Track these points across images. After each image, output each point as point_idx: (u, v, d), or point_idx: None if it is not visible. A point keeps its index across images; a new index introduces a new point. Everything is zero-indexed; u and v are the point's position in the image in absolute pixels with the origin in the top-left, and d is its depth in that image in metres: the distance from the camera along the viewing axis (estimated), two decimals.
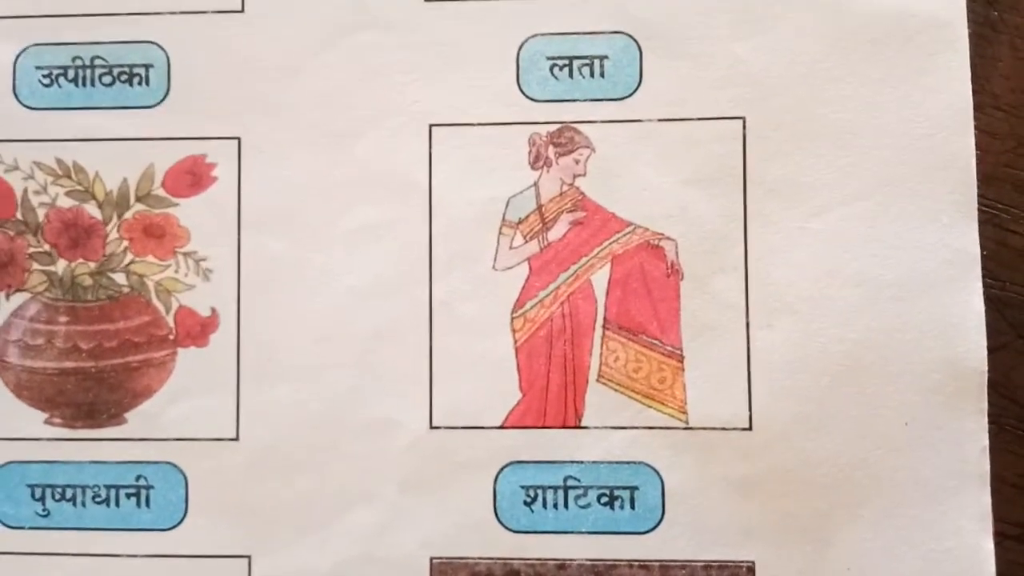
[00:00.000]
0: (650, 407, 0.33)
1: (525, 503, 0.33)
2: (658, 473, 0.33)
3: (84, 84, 0.35)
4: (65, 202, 0.34)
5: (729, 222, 0.33)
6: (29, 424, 0.34)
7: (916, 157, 0.33)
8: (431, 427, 0.33)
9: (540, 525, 0.33)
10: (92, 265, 0.34)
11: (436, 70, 0.34)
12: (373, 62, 0.34)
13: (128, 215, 0.34)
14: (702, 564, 0.32)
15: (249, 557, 0.33)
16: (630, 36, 0.34)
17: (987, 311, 0.32)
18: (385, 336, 0.33)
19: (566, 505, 0.33)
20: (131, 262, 0.34)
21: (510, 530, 0.33)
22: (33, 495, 0.34)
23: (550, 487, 0.33)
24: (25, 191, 0.34)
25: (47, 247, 0.34)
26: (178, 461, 0.33)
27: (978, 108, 0.34)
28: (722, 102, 0.33)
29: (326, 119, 0.34)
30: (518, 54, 0.34)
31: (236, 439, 0.33)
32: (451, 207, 0.34)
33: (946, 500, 0.32)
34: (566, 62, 0.34)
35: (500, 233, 0.34)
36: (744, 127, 0.33)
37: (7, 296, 0.34)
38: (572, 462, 0.33)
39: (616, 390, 0.33)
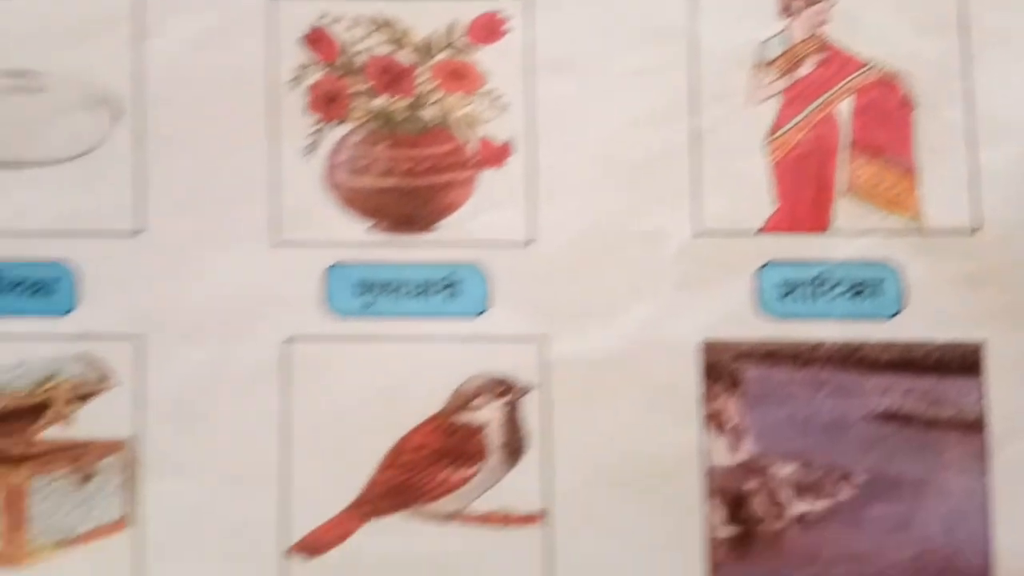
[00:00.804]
0: (891, 214, 0.39)
1: (782, 296, 0.39)
2: (898, 269, 0.38)
3: None
4: (382, 50, 0.41)
5: (955, 61, 0.39)
6: (356, 231, 0.40)
7: None
8: (697, 235, 0.39)
9: (796, 313, 0.39)
10: (406, 101, 0.40)
11: None
12: None
13: (435, 61, 0.40)
14: (938, 344, 0.38)
15: (545, 340, 0.39)
16: None
17: None
18: (656, 159, 0.39)
19: (818, 296, 0.39)
20: (439, 99, 0.40)
21: (770, 318, 0.39)
22: (359, 290, 0.40)
23: (804, 282, 0.39)
24: (347, 41, 0.41)
25: (367, 86, 0.41)
26: (481, 261, 0.40)
27: None
28: None
29: None
30: None
31: (530, 244, 0.39)
32: (711, 50, 0.39)
33: None
34: None
35: (754, 72, 0.40)
36: None
37: (335, 126, 0.41)
38: (823, 261, 0.39)
39: (861, 201, 0.39)
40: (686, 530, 0.38)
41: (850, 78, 0.39)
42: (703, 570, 0.38)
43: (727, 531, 0.38)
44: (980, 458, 0.38)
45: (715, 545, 0.38)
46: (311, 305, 0.40)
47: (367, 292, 0.40)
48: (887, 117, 0.39)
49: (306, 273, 0.40)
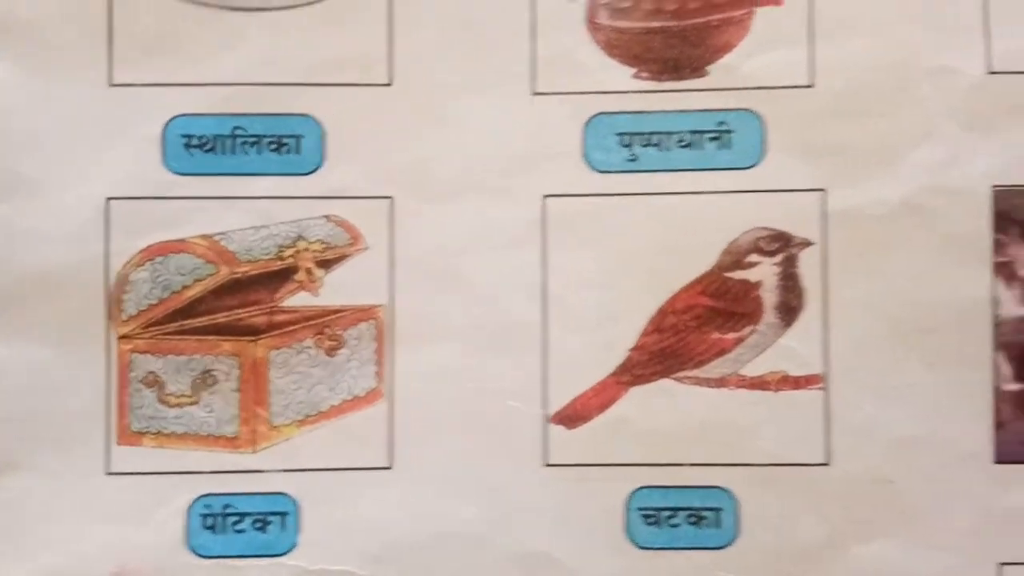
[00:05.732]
0: None
1: None
2: None
3: None
4: None
5: None
6: (619, 79, 0.37)
7: None
8: (990, 72, 0.37)
9: None
10: None
11: None
12: None
13: None
14: None
15: (824, 191, 0.37)
16: None
17: None
18: None
19: None
20: None
21: None
22: (622, 142, 0.38)
23: None
24: None
25: None
26: (756, 108, 0.37)
27: None
28: None
29: None
30: None
31: (811, 87, 0.37)
32: None
33: None
34: None
35: None
36: None
37: None
38: None
39: None
40: (971, 386, 0.37)
41: None
42: (988, 427, 0.37)
43: (1014, 387, 0.38)
44: None
45: (1000, 401, 0.37)
46: (571, 160, 0.38)
47: (629, 144, 0.38)
48: None
49: (565, 125, 0.37)
